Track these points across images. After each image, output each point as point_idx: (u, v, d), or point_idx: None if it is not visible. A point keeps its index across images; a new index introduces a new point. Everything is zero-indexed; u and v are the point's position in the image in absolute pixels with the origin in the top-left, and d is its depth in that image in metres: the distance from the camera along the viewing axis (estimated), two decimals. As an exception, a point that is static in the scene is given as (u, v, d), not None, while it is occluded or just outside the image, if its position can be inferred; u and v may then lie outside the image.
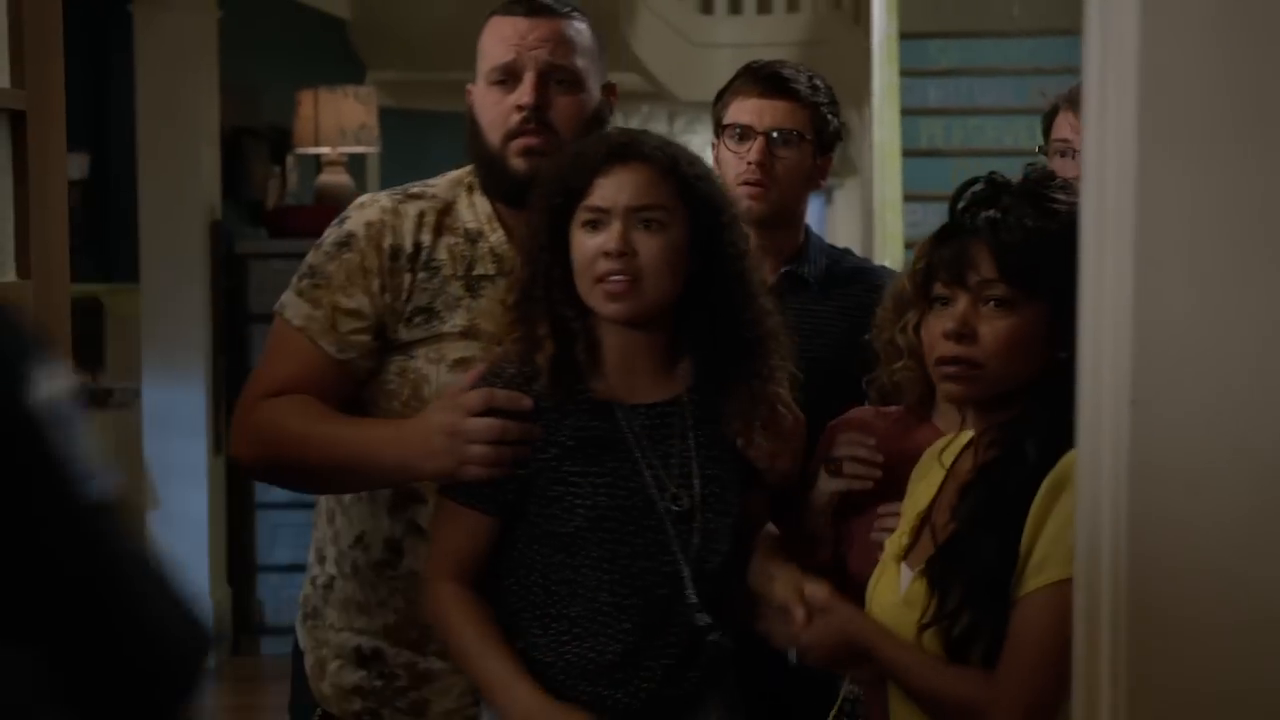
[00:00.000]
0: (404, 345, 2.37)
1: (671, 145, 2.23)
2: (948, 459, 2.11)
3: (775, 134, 2.83)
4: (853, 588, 2.29)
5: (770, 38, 8.74)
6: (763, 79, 2.87)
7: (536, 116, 2.35)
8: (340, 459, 2.28)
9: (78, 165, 6.27)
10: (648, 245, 2.16)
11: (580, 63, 2.41)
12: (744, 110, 2.86)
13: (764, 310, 2.27)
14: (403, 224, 2.38)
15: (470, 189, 2.44)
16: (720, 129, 2.91)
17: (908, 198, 7.65)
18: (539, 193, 2.23)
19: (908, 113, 8.01)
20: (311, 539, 2.54)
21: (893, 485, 2.30)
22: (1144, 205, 1.49)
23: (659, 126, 10.50)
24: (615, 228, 2.15)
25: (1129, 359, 1.43)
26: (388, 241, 2.37)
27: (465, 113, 2.43)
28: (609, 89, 2.49)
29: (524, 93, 2.35)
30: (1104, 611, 1.45)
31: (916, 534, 2.08)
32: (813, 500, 2.41)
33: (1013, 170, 2.14)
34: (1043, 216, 1.97)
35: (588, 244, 2.17)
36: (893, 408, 2.44)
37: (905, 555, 2.08)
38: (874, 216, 7.76)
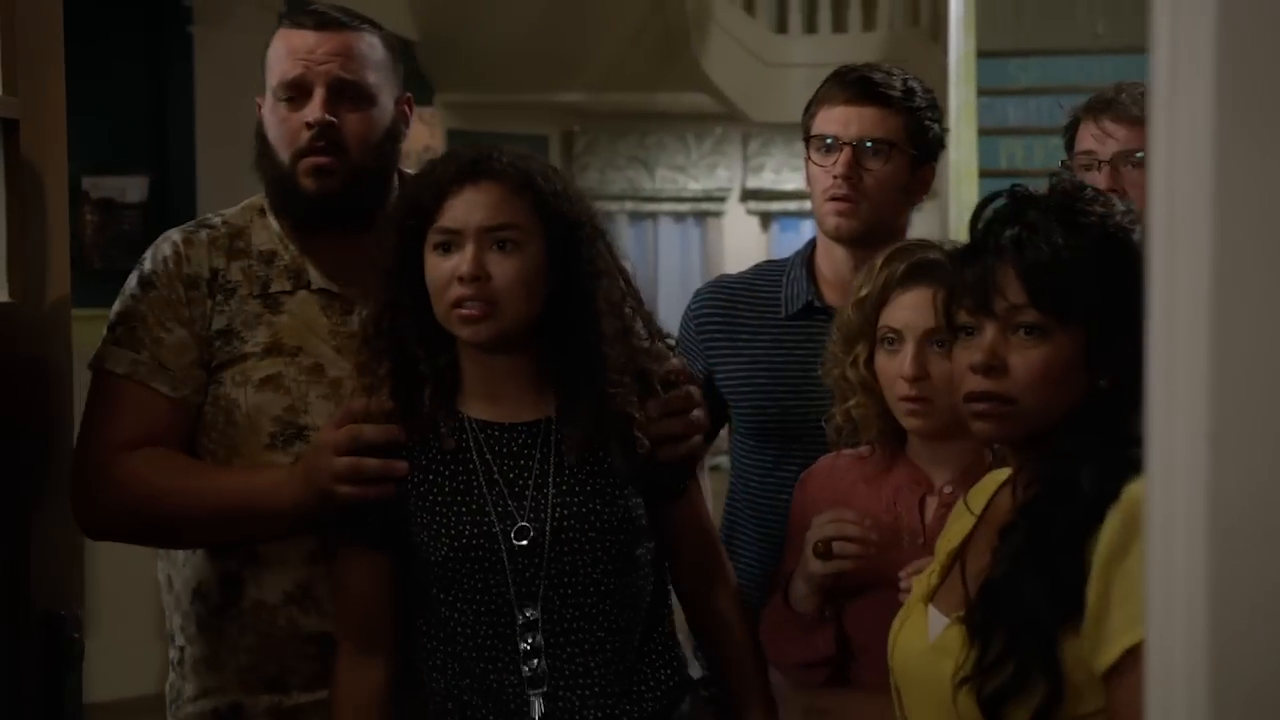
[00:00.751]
0: (211, 371, 2.29)
1: (526, 159, 2.13)
2: (978, 503, 1.93)
3: (863, 144, 2.61)
4: (859, 665, 2.18)
5: (846, 57, 8.28)
6: (849, 84, 2.65)
7: (326, 134, 2.26)
8: (221, 510, 2.21)
9: (137, 188, 6.25)
10: (503, 267, 2.07)
11: (371, 77, 2.31)
12: (830, 119, 2.65)
13: (617, 329, 2.15)
14: (196, 253, 2.32)
15: (262, 212, 2.37)
16: (808, 141, 2.70)
17: (986, 220, 7.41)
18: (390, 214, 2.15)
19: (986, 132, 7.79)
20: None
21: (872, 519, 2.18)
22: (1221, 210, 1.28)
23: (733, 148, 10.32)
24: (468, 250, 2.06)
25: (1205, 387, 1.22)
26: (185, 271, 2.30)
27: (255, 129, 2.35)
28: (404, 101, 2.39)
29: (313, 109, 2.26)
30: (1179, 684, 1.24)
31: (945, 573, 1.91)
32: (801, 585, 2.24)
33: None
34: (1073, 232, 1.76)
35: (441, 267, 2.08)
36: (861, 448, 2.30)
37: (932, 597, 1.90)
38: (951, 239, 7.50)
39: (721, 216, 10.58)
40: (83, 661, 2.20)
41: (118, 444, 2.23)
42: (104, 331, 2.31)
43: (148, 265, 2.33)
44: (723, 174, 10.31)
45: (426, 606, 2.13)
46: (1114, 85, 2.76)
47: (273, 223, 2.38)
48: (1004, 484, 1.89)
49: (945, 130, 2.70)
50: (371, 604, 2.16)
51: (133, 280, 2.33)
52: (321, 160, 2.27)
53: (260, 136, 2.36)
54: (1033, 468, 1.80)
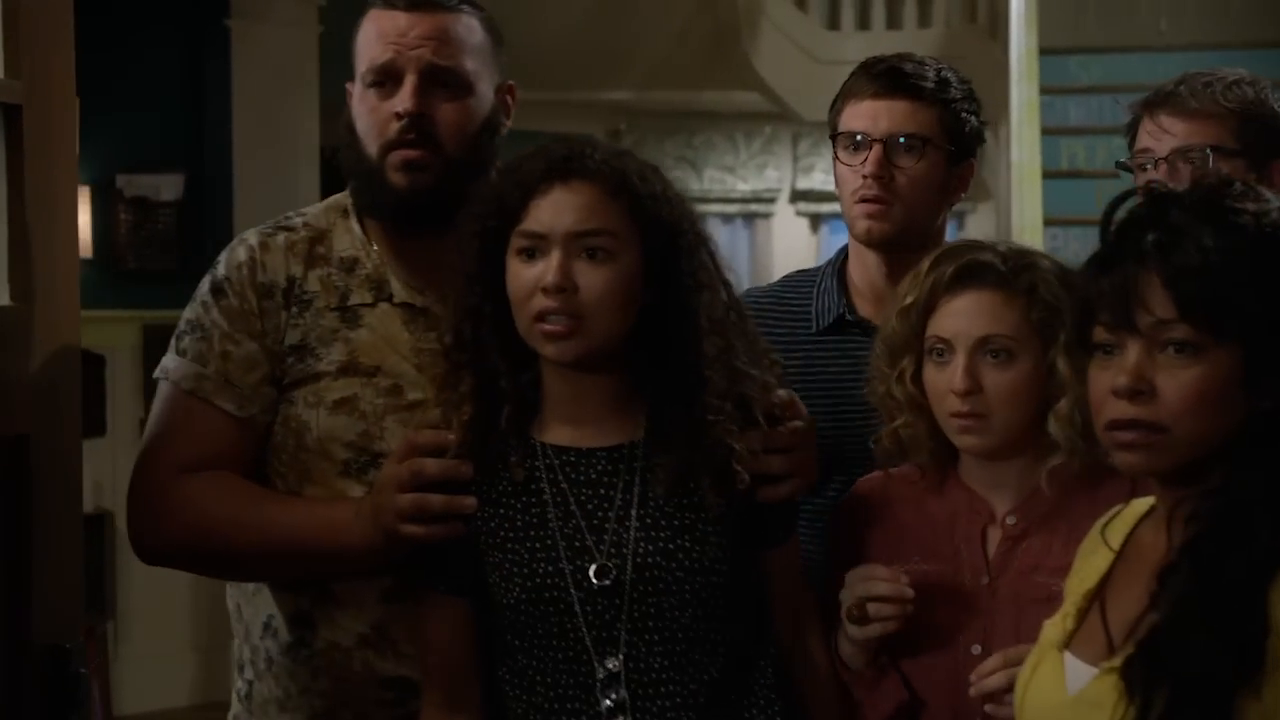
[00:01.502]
0: (283, 390, 2.14)
1: (623, 157, 1.96)
2: (1115, 535, 1.73)
3: (894, 140, 2.42)
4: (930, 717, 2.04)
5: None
6: (878, 75, 2.47)
7: (418, 125, 2.10)
8: (285, 547, 2.07)
9: (173, 186, 6.19)
10: (592, 278, 1.90)
11: (469, 63, 2.14)
12: (858, 114, 2.47)
13: (719, 350, 1.95)
14: (272, 259, 2.17)
15: (345, 214, 2.21)
16: (835, 139, 2.51)
17: (1048, 222, 7.20)
18: (469, 214, 1.98)
19: (1048, 132, 7.57)
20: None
21: (928, 550, 2.05)
22: None
23: (782, 148, 10.14)
24: (554, 258, 1.89)
25: None
26: (260, 279, 2.15)
27: (342, 119, 2.19)
28: (505, 90, 2.21)
29: (404, 98, 2.10)
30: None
31: (1081, 616, 1.71)
32: (846, 645, 2.05)
33: None
34: (1225, 234, 1.56)
35: (524, 275, 1.91)
36: (906, 467, 2.14)
37: (1068, 642, 1.71)
38: (1008, 239, 7.29)
39: (771, 218, 10.40)
40: (89, 698, 2.01)
41: (179, 465, 2.10)
42: (171, 340, 2.18)
43: (221, 270, 2.18)
44: (772, 174, 10.15)
45: (507, 654, 1.97)
46: (1176, 78, 2.54)
47: (355, 226, 2.21)
48: (1145, 517, 1.70)
49: (984, 123, 2.50)
50: (454, 654, 1.99)
51: (205, 285, 2.18)
52: (412, 154, 2.10)
53: (348, 127, 2.18)
54: (1192, 503, 1.59)
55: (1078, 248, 7.81)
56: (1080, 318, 1.66)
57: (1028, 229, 7.00)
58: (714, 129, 9.98)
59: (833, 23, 8.93)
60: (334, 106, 6.62)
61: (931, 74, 2.47)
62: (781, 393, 2.03)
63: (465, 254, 1.96)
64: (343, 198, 2.24)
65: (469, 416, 1.95)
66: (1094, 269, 1.63)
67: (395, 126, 2.10)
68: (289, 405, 2.13)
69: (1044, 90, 7.66)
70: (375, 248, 2.19)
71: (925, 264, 2.12)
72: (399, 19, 2.13)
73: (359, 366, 2.13)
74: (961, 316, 2.06)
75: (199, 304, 2.17)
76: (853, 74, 2.53)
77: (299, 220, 2.22)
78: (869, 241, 2.46)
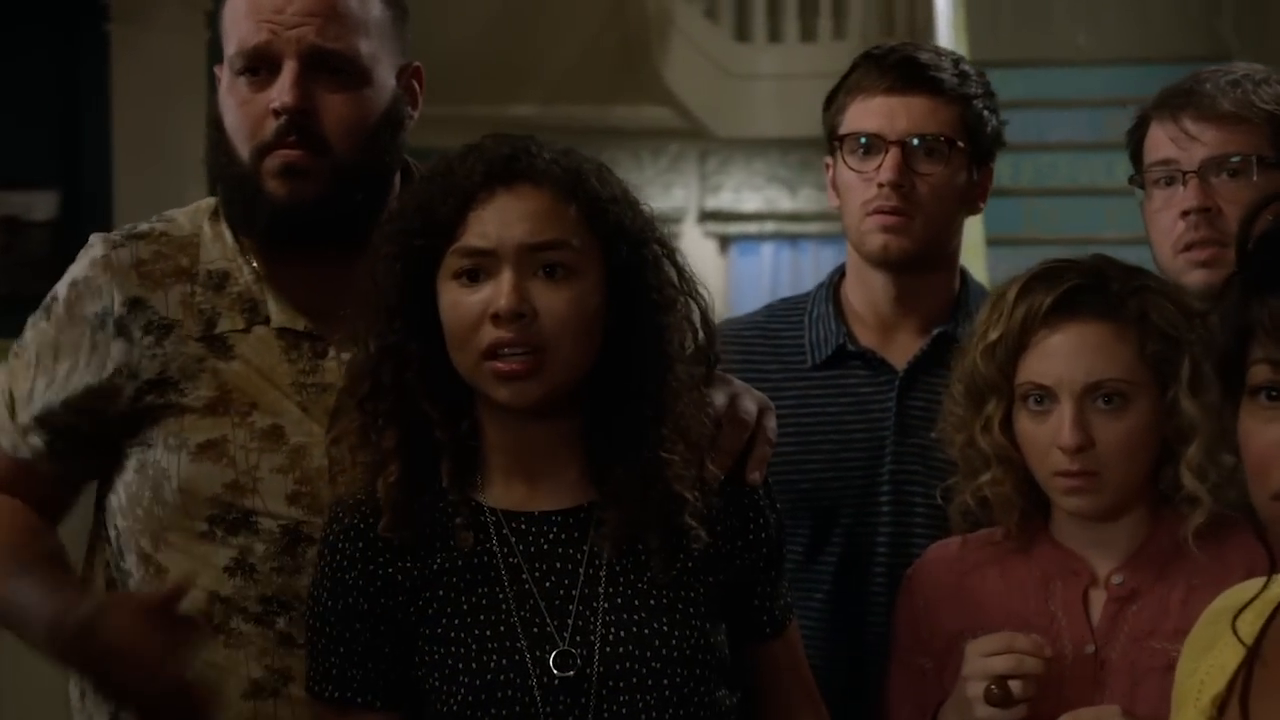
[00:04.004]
0: (138, 430, 1.85)
1: (572, 155, 1.68)
2: (1248, 627, 1.41)
3: (915, 141, 2.14)
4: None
5: (816, 67, 8.07)
6: (891, 67, 2.18)
7: (299, 123, 1.78)
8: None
9: (46, 204, 5.86)
10: (553, 301, 1.61)
11: (362, 44, 1.81)
12: (868, 113, 2.17)
13: (681, 382, 1.68)
14: (111, 279, 1.86)
15: (216, 216, 1.91)
16: (837, 142, 2.21)
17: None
18: (388, 230, 1.68)
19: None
20: None
21: (1018, 620, 1.83)
22: None
23: (689, 165, 9.89)
24: (505, 278, 1.61)
25: None
26: (90, 308, 1.86)
27: (208, 114, 1.88)
28: (410, 74, 1.89)
29: (281, 90, 1.78)
30: None
31: None
32: None
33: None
34: None
35: (466, 303, 1.62)
36: (987, 531, 1.91)
37: None
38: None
39: (677, 239, 10.04)
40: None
41: None
42: None
43: (62, 280, 1.91)
44: (679, 193, 9.89)
45: None
46: (1191, 75, 2.21)
47: (227, 233, 1.89)
48: None
49: (1003, 122, 2.22)
50: None
51: (48, 295, 1.92)
52: (292, 156, 1.78)
53: (214, 123, 1.83)
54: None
55: (1009, 270, 7.60)
56: (1226, 353, 1.35)
57: (969, 251, 6.74)
58: (618, 146, 9.67)
59: (744, 35, 8.69)
60: None
61: (949, 65, 2.19)
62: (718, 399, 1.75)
63: (383, 282, 1.65)
64: (213, 201, 1.92)
65: (395, 478, 1.64)
66: (1246, 293, 1.30)
67: (271, 125, 1.79)
68: (145, 449, 1.84)
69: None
70: (251, 260, 1.85)
71: (1011, 291, 1.83)
72: None
73: (230, 403, 1.83)
74: (1064, 358, 1.80)
75: (37, 313, 1.92)
76: (856, 66, 2.23)
77: (158, 227, 1.91)
78: (884, 260, 2.16)
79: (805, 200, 8.91)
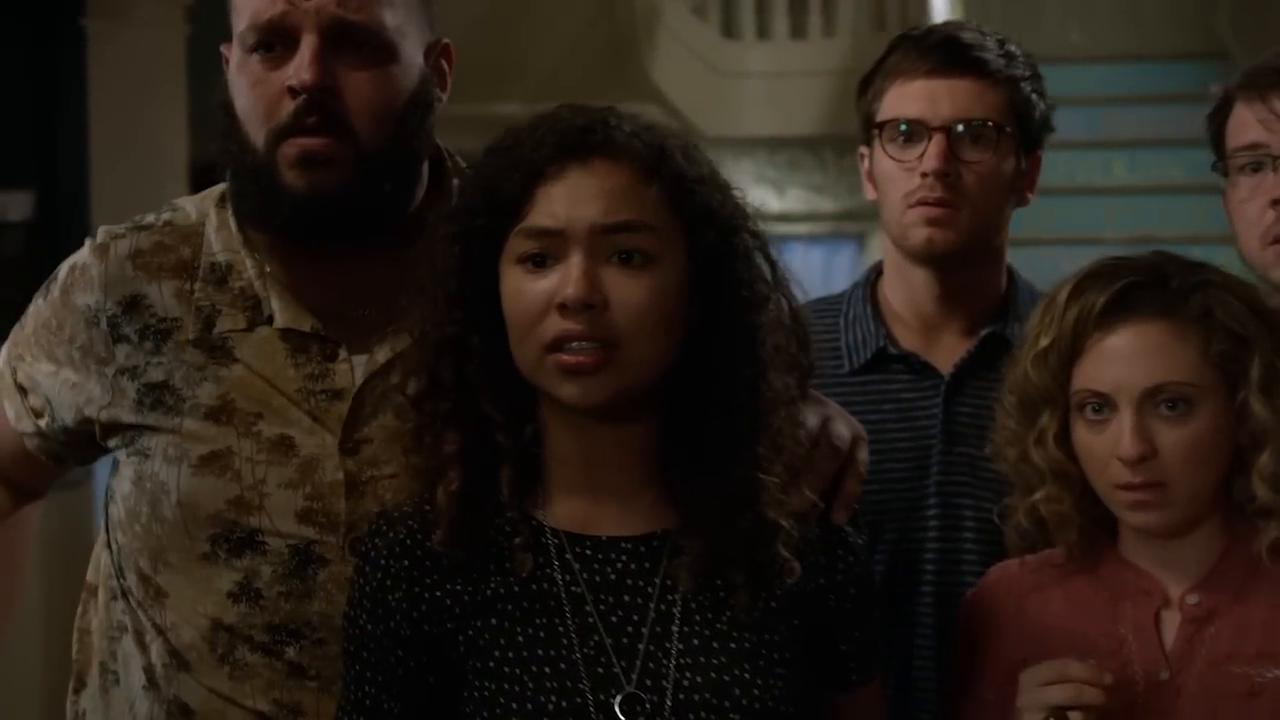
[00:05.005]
0: (135, 440, 1.71)
1: (656, 129, 1.52)
2: None
3: (960, 127, 2.02)
4: None
5: (806, 65, 8.11)
6: (933, 48, 2.05)
7: (320, 104, 1.63)
8: None
9: (19, 205, 5.79)
10: (628, 290, 1.46)
11: (388, 16, 1.66)
12: (908, 98, 2.05)
13: (776, 392, 1.52)
14: (104, 273, 1.73)
15: (223, 203, 1.76)
16: (875, 129, 2.08)
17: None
18: (445, 213, 1.56)
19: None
20: None
21: (1084, 645, 1.69)
22: None
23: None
24: (575, 262, 1.45)
25: None
26: (82, 298, 1.73)
27: (216, 95, 1.73)
28: (439, 51, 1.74)
29: (300, 67, 1.63)
30: None
31: None
32: None
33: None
34: None
35: (531, 290, 1.47)
36: (1048, 552, 1.78)
37: None
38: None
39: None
40: None
41: None
42: None
43: (63, 268, 1.79)
44: (666, 194, 9.79)
45: None
46: (1272, 53, 2.07)
47: (233, 220, 1.73)
48: None
49: (1052, 107, 2.12)
50: None
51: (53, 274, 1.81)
52: (312, 143, 1.62)
53: (224, 106, 1.67)
54: None
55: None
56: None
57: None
58: (605, 145, 9.63)
59: (732, 32, 8.59)
60: (203, 117, 6.44)
61: (994, 45, 2.07)
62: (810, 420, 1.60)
63: (441, 267, 1.51)
64: (224, 185, 1.77)
65: (457, 487, 1.49)
66: None
67: (289, 106, 1.63)
68: (143, 460, 1.70)
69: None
70: (254, 253, 1.71)
71: (1062, 293, 1.71)
72: None
73: (233, 412, 1.68)
74: (1122, 361, 1.67)
75: (39, 290, 1.81)
76: (893, 48, 2.11)
77: (164, 216, 1.77)
78: (929, 256, 2.04)
79: (793, 201, 8.78)
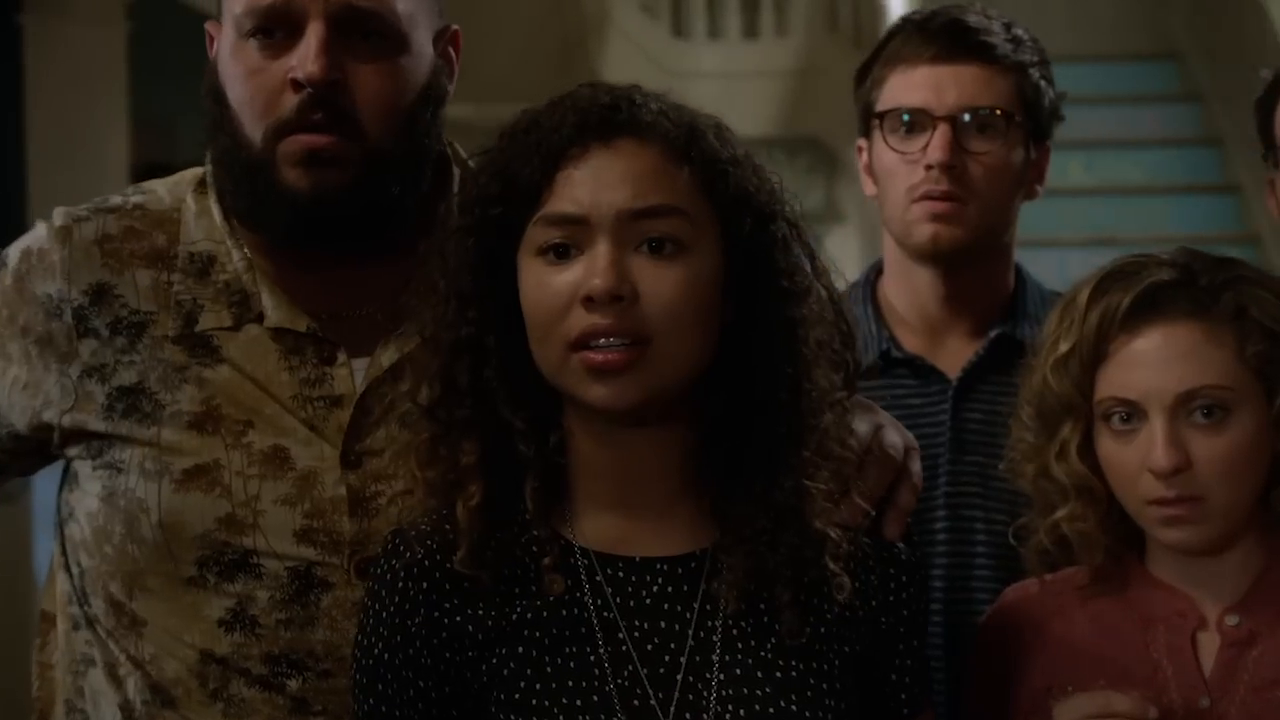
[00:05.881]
0: (104, 451, 1.56)
1: (685, 108, 1.41)
2: None
3: (966, 116, 1.92)
4: None
5: (759, 65, 8.06)
6: (936, 32, 1.95)
7: (328, 99, 1.50)
8: None
9: None
10: (659, 281, 1.35)
11: (401, 4, 1.54)
12: (911, 85, 1.95)
13: (822, 392, 1.41)
14: (67, 258, 1.57)
15: (203, 188, 1.63)
16: (875, 120, 1.98)
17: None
18: (460, 200, 1.47)
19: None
20: None
21: (1115, 671, 1.58)
22: None
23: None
24: (601, 252, 1.34)
25: None
26: (42, 286, 1.57)
27: (204, 83, 1.59)
28: (448, 39, 1.62)
29: (306, 57, 1.50)
30: None
31: None
32: None
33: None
34: None
35: (553, 283, 1.36)
36: (1070, 571, 1.66)
37: None
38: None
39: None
40: None
41: None
42: None
43: (12, 247, 1.62)
44: (615, 197, 9.72)
45: None
46: None
47: (216, 209, 1.59)
48: None
49: (1062, 94, 2.00)
50: None
51: None
52: (318, 141, 1.50)
53: (213, 93, 1.54)
54: None
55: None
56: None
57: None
58: (555, 147, 9.55)
59: (684, 31, 8.52)
60: (145, 119, 6.35)
61: (1000, 29, 1.96)
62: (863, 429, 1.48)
63: (454, 261, 1.39)
64: (203, 170, 1.63)
65: (477, 502, 1.37)
66: None
67: (291, 100, 1.50)
68: (114, 474, 1.55)
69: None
70: (242, 244, 1.58)
71: (1082, 294, 1.60)
72: None
73: (220, 420, 1.54)
74: (1151, 366, 1.56)
75: None
76: (893, 33, 2.01)
77: (133, 199, 1.62)
78: (935, 253, 1.94)
79: (745, 203, 8.73)
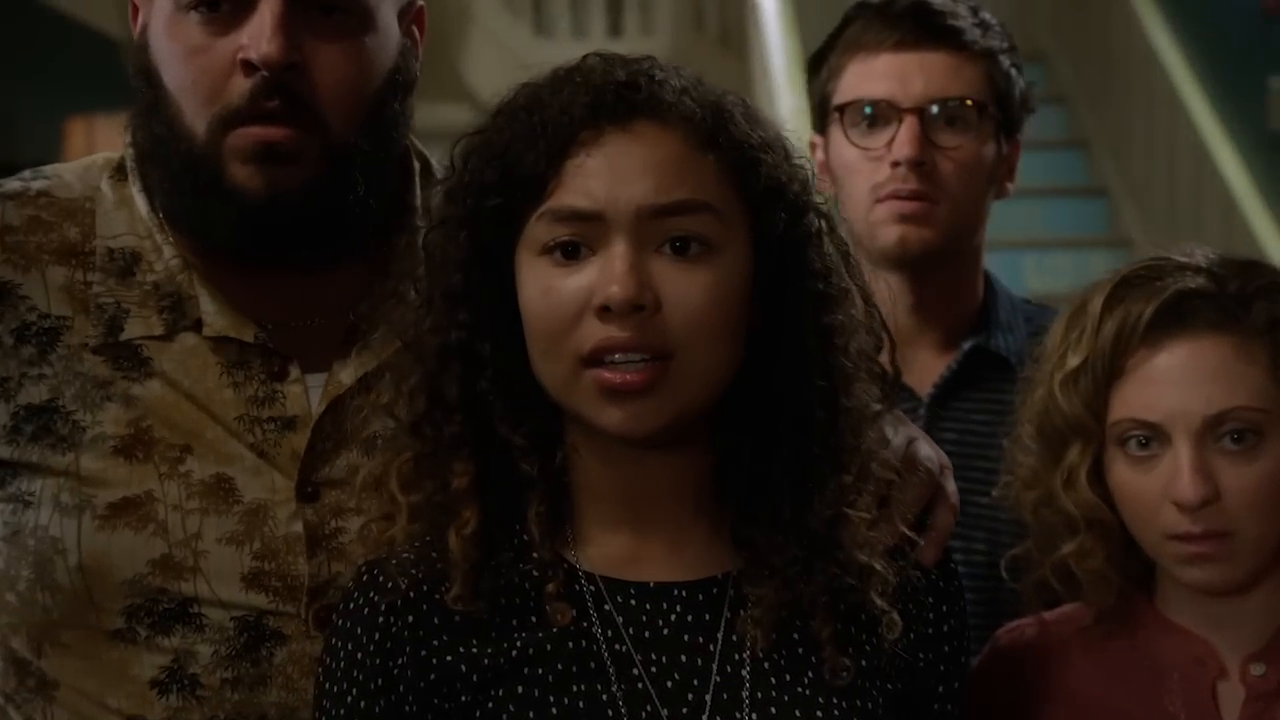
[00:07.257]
0: (7, 482, 1.37)
1: (707, 85, 1.26)
2: None
3: (934, 108, 1.79)
4: None
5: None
6: (900, 17, 1.82)
7: (283, 84, 1.33)
8: None
9: None
10: (685, 287, 1.20)
11: None
12: (874, 75, 1.82)
13: (863, 407, 1.27)
14: None
15: (120, 174, 1.44)
16: (835, 113, 1.84)
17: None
18: (450, 191, 1.27)
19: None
20: None
21: None
22: None
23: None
24: (619, 254, 1.20)
25: None
26: None
27: (133, 62, 1.40)
28: (413, 16, 1.46)
29: (259, 36, 1.33)
30: None
31: None
32: None
33: None
34: None
35: (560, 289, 1.22)
36: (1071, 608, 1.52)
37: None
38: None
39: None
40: None
41: None
42: None
43: None
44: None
45: None
46: None
47: (139, 199, 1.39)
48: None
49: (1032, 84, 1.88)
50: None
51: None
52: (274, 134, 1.32)
53: (143, 71, 1.34)
54: None
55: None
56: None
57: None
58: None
59: (544, 29, 8.36)
60: None
61: (967, 14, 1.84)
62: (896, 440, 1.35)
63: (442, 258, 1.24)
64: (116, 155, 1.44)
65: (473, 529, 1.22)
66: None
67: (242, 84, 1.33)
68: (17, 508, 1.36)
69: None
70: (170, 238, 1.38)
71: (1095, 301, 1.44)
72: None
73: (151, 444, 1.36)
74: (1175, 385, 1.41)
75: None
76: (850, 19, 1.87)
77: (35, 185, 1.42)
78: (902, 258, 1.80)
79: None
